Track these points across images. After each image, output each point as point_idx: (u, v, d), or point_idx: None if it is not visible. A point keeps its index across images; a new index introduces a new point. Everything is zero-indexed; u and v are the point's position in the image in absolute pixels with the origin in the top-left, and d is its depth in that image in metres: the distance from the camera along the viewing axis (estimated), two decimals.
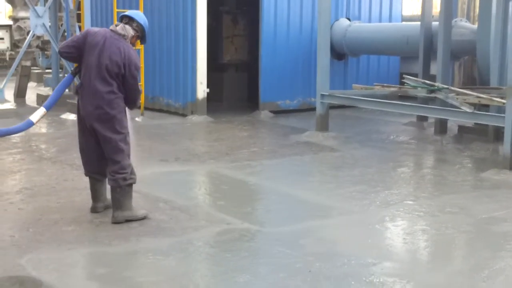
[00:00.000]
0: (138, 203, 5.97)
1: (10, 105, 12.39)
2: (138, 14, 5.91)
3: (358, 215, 6.11)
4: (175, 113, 12.31)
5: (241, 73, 14.25)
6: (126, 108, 5.76)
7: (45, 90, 14.38)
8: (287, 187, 7.13)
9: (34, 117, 5.73)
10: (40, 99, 13.49)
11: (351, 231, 5.70)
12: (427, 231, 5.69)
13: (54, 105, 5.83)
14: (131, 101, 5.75)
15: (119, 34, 5.67)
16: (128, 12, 5.92)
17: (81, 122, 5.74)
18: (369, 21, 13.67)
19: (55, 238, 5.18)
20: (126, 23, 5.78)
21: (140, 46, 6.11)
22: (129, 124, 5.84)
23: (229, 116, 12.25)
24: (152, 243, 5.13)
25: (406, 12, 17.75)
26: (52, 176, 7.30)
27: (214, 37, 13.43)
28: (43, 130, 10.64)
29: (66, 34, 12.94)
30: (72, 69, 5.92)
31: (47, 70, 17.68)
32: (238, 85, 14.12)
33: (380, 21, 13.82)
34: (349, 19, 13.31)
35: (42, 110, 5.73)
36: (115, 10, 11.76)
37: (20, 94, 13.66)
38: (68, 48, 5.70)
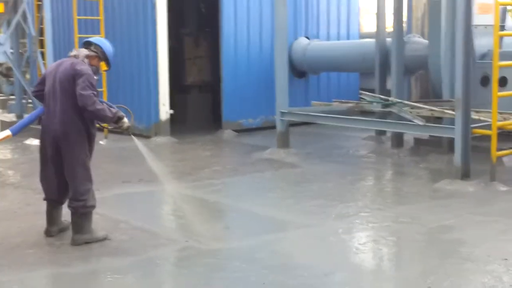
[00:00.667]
0: (99, 224, 6.10)
1: None
2: (99, 39, 6.10)
3: (314, 228, 6.31)
4: (140, 135, 12.40)
5: (205, 94, 14.43)
6: (91, 132, 5.81)
7: (9, 117, 14.39)
8: (247, 203, 7.31)
9: None
10: (4, 125, 13.50)
11: (306, 244, 5.89)
12: (379, 241, 5.91)
13: (20, 131, 5.95)
14: (84, 109, 5.54)
15: (72, 56, 5.86)
16: (90, 38, 6.10)
17: (42, 149, 5.87)
18: (328, 39, 13.98)
19: (17, 261, 5.29)
20: (85, 48, 5.97)
21: (104, 69, 6.18)
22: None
23: (193, 136, 12.41)
24: (112, 262, 5.26)
25: (368, 29, 18.18)
26: (14, 201, 7.39)
27: (176, 59, 13.62)
28: (8, 156, 10.70)
29: (29, 61, 13.03)
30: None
31: (11, 97, 17.66)
32: (202, 106, 14.29)
33: (338, 39, 14.14)
34: (308, 38, 13.60)
35: (7, 132, 5.86)
36: (76, 35, 11.91)
37: None
38: (36, 88, 6.05)
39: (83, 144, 5.75)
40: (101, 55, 5.98)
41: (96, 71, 5.93)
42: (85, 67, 5.72)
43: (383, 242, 5.89)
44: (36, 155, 6.13)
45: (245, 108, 12.95)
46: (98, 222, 6.16)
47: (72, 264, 5.23)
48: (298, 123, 11.28)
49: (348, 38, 14.31)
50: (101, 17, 12.12)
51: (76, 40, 12.01)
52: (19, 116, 13.71)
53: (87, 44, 6.01)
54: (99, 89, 11.57)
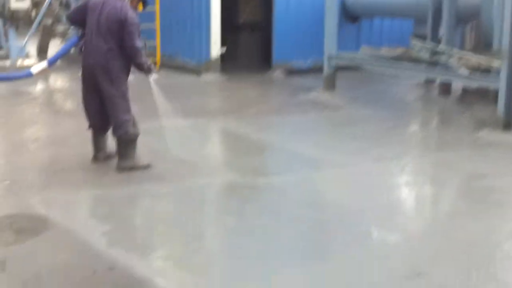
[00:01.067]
0: (144, 153, 6.42)
1: (32, 61, 12.87)
2: None
3: (350, 169, 6.46)
4: (191, 71, 12.69)
5: (256, 33, 14.50)
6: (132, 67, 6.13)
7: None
8: (288, 142, 7.50)
9: (34, 69, 6.17)
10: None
11: (341, 183, 6.07)
12: (412, 184, 6.07)
13: (56, 61, 6.25)
14: (131, 58, 5.96)
15: None
16: None
17: (84, 80, 6.16)
18: None
19: (64, 182, 5.67)
20: None
21: (140, 9, 6.39)
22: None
23: (243, 75, 12.58)
24: (152, 187, 5.57)
25: None
26: (68, 128, 7.77)
27: None
28: (65, 85, 11.08)
29: None
30: (79, 33, 6.33)
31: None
32: (253, 46, 14.39)
33: None
34: None
35: (44, 64, 6.17)
36: None
37: (42, 50, 14.13)
38: (74, 14, 6.30)
39: (124, 78, 6.08)
40: None
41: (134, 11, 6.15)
42: (133, 14, 5.99)
43: (415, 185, 6.05)
44: (77, 86, 6.40)
45: (296, 50, 13.00)
46: (144, 151, 6.47)
47: (114, 186, 5.58)
48: (347, 67, 11.30)
49: None
50: None
51: None
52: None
53: None
54: (152, 25, 11.87)
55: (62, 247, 4.26)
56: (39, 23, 12.89)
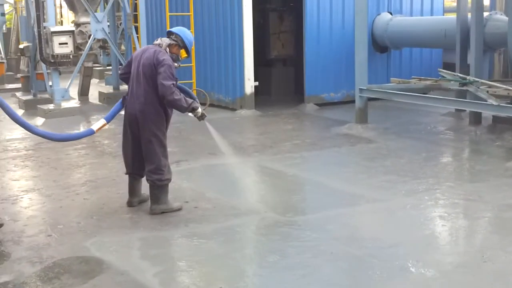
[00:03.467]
0: (186, 193, 6.79)
1: (75, 103, 13.44)
2: (180, 29, 6.61)
3: (383, 203, 6.74)
4: (226, 108, 13.11)
5: (288, 67, 14.91)
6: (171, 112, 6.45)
7: (107, 88, 15.42)
8: (323, 177, 7.80)
9: (95, 126, 6.59)
10: (102, 96, 14.53)
11: (375, 218, 6.35)
12: (445, 217, 6.29)
13: (113, 117, 6.65)
14: (163, 97, 6.13)
15: (155, 45, 6.47)
16: (172, 29, 6.66)
17: (125, 126, 6.53)
18: (411, 14, 14.12)
19: (115, 225, 6.06)
20: (168, 37, 6.57)
21: (183, 56, 6.74)
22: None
23: (276, 109, 12.96)
24: (198, 228, 5.92)
25: (451, 3, 18.03)
26: (113, 169, 8.20)
27: (261, 34, 14.15)
28: (105, 127, 11.55)
29: (124, 34, 13.91)
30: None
31: (107, 67, 18.79)
32: (285, 79, 14.79)
33: (421, 14, 14.24)
34: (391, 13, 13.79)
35: (102, 121, 6.58)
36: (168, 13, 12.63)
37: (83, 92, 14.76)
38: (122, 70, 6.69)
39: (161, 123, 6.36)
40: (181, 44, 6.52)
41: (176, 59, 6.49)
42: (166, 57, 6.29)
43: (448, 218, 6.27)
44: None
45: (327, 82, 13.37)
46: (186, 191, 6.84)
47: (163, 228, 5.93)
48: (377, 97, 11.57)
49: (431, 13, 14.38)
50: None
51: (168, 18, 12.74)
52: (116, 88, 14.68)
53: (169, 34, 6.59)
54: (188, 64, 12.35)
55: None
56: (81, 66, 13.46)
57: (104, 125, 6.57)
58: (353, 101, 12.95)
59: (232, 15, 12.70)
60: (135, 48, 12.97)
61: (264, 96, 13.93)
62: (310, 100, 13.23)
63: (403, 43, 13.40)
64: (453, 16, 12.29)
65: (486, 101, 8.95)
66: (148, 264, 5.10)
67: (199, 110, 6.43)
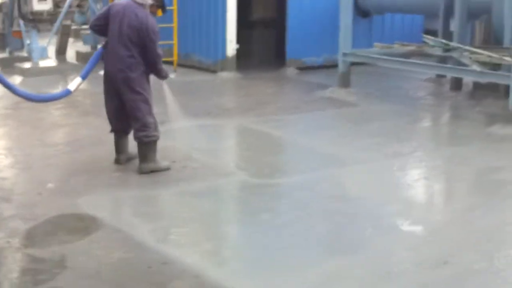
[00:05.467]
0: (173, 154, 6.79)
1: (52, 61, 13.22)
2: None
3: (370, 165, 6.83)
4: (206, 70, 13.02)
5: (270, 30, 14.80)
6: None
7: (84, 47, 15.18)
8: (309, 139, 7.85)
9: (71, 86, 6.53)
10: (79, 56, 14.32)
11: (363, 178, 6.44)
12: (430, 178, 6.43)
13: (88, 74, 6.58)
14: (151, 65, 6.29)
15: (138, 3, 6.31)
16: None
17: (106, 83, 6.46)
18: None
19: (105, 183, 6.04)
20: None
21: (159, 15, 6.66)
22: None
23: (257, 72, 12.89)
24: (188, 187, 5.94)
25: None
26: (97, 128, 8.10)
27: None
28: (85, 86, 11.42)
29: None
30: (103, 43, 6.63)
31: (82, 27, 18.46)
32: (266, 42, 14.69)
33: None
34: None
35: (79, 80, 6.52)
36: None
37: (60, 51, 14.50)
38: (96, 21, 6.54)
39: (145, 83, 6.36)
40: (160, 3, 6.48)
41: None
42: (154, 22, 6.28)
43: (433, 179, 6.41)
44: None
45: (308, 46, 13.30)
46: (173, 151, 6.83)
47: (154, 187, 5.95)
48: (359, 62, 11.61)
49: None
50: None
51: None
52: (94, 47, 14.46)
53: None
54: (169, 25, 12.17)
55: (115, 245, 4.62)
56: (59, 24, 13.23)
57: (81, 83, 6.51)
58: (334, 66, 12.93)
59: None
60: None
61: (244, 59, 13.84)
62: (291, 63, 13.21)
63: (386, 8, 13.38)
64: None
65: (469, 67, 9.04)
66: (142, 221, 5.12)
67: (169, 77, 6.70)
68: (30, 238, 4.78)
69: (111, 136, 7.33)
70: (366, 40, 13.78)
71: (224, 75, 12.55)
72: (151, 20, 6.27)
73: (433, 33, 11.75)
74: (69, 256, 4.42)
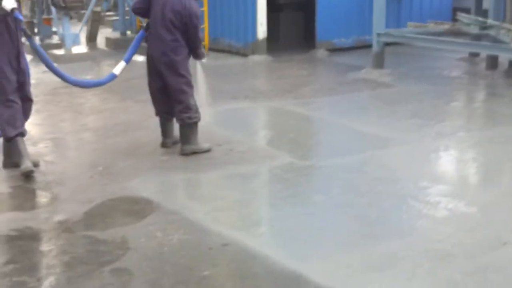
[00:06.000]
0: (216, 136, 6.82)
1: (84, 48, 13.32)
2: None
3: (414, 145, 6.79)
4: (237, 53, 13.01)
5: (297, 12, 14.73)
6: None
7: (114, 34, 15.22)
8: (349, 121, 7.80)
9: (116, 70, 6.58)
10: (109, 42, 14.38)
11: (409, 159, 6.40)
12: (477, 159, 6.39)
13: (132, 57, 6.62)
14: (193, 49, 6.41)
15: None
16: None
17: (150, 66, 6.51)
18: None
19: (155, 166, 6.09)
20: None
21: None
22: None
23: (287, 55, 12.86)
24: (237, 169, 5.96)
25: None
26: (137, 113, 8.18)
27: None
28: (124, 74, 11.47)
29: None
30: (144, 25, 6.66)
31: (107, 13, 18.52)
32: (294, 25, 14.63)
33: None
34: None
35: (123, 64, 6.57)
36: None
37: (91, 38, 14.58)
38: (139, 4, 6.55)
39: (187, 66, 6.43)
40: None
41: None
42: (197, 6, 6.37)
43: (480, 160, 6.37)
44: (143, 71, 6.76)
45: (338, 27, 13.24)
46: (212, 134, 6.86)
47: (203, 169, 5.98)
48: (390, 42, 11.53)
49: None
50: None
51: None
52: (123, 34, 14.52)
53: None
54: (201, 9, 12.22)
55: (173, 227, 4.65)
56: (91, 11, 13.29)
57: (125, 66, 6.57)
58: (363, 47, 12.97)
59: None
60: None
61: (274, 42, 13.80)
62: (321, 45, 13.14)
63: None
64: None
65: (508, 44, 8.94)
66: (197, 203, 5.16)
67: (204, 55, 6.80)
68: (89, 220, 4.84)
69: (151, 121, 7.41)
70: (395, 20, 13.70)
71: (255, 58, 12.53)
72: (194, 5, 6.33)
73: (462, 11, 11.63)
74: (129, 238, 4.47)
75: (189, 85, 6.42)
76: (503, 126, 7.54)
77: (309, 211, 5.02)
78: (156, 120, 7.09)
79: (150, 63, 6.49)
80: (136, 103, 8.74)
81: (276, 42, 14.04)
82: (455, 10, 13.94)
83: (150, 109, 8.28)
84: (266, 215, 5.03)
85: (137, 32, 14.93)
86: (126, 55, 6.65)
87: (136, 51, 6.66)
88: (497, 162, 6.34)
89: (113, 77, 6.62)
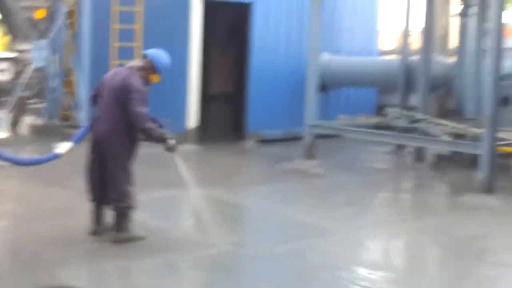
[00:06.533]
0: (149, 224, 6.55)
1: (6, 133, 12.83)
2: (155, 53, 6.33)
3: (350, 233, 6.73)
4: None
5: (227, 104, 14.82)
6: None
7: (38, 121, 14.78)
8: (284, 210, 7.69)
9: (61, 149, 6.29)
10: (34, 129, 13.95)
11: (347, 247, 6.33)
12: (410, 248, 6.38)
13: (81, 139, 6.36)
14: (134, 124, 5.95)
15: (128, 68, 6.22)
16: (147, 51, 6.42)
17: (92, 150, 6.22)
18: (349, 54, 14.42)
19: (86, 254, 5.72)
20: (141, 59, 6.35)
21: (155, 81, 6.51)
22: None
23: (218, 145, 12.75)
24: (174, 258, 5.71)
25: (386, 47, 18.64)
26: (64, 199, 7.78)
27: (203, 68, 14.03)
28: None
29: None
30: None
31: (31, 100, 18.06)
32: (223, 116, 14.68)
33: (359, 55, 14.58)
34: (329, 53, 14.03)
35: (70, 144, 6.29)
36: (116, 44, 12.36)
37: (14, 123, 14.08)
38: (93, 93, 6.41)
39: (126, 149, 6.13)
40: (153, 69, 6.27)
41: (146, 83, 6.19)
42: (137, 82, 6.04)
43: (414, 248, 6.38)
44: (67, 158, 6.48)
45: (267, 119, 13.33)
46: (145, 222, 6.56)
47: (138, 258, 5.65)
48: (319, 135, 11.64)
49: (368, 54, 14.74)
50: (138, 26, 12.55)
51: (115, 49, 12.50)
52: (49, 120, 14.14)
53: (143, 56, 6.37)
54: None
55: None
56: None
57: (71, 147, 6.29)
58: (292, 138, 13.09)
59: (179, 49, 12.52)
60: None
61: (203, 132, 13.73)
62: (251, 136, 13.17)
63: (345, 82, 13.65)
64: (395, 58, 12.70)
65: (438, 137, 9.18)
66: None
67: (171, 141, 6.24)
68: None
69: (79, 207, 7.00)
70: (323, 113, 13.94)
71: (186, 147, 12.35)
72: (135, 79, 6.06)
73: (386, 107, 11.94)
74: None
75: (126, 171, 6.14)
76: (435, 216, 7.66)
77: None
78: (83, 207, 6.74)
79: (93, 145, 6.22)
80: (63, 189, 8.35)
81: (206, 132, 14.00)
82: (379, 106, 14.43)
83: (78, 195, 7.95)
84: None
85: (62, 119, 14.67)
86: (75, 137, 6.39)
87: (85, 135, 6.40)
88: (429, 251, 6.36)
89: (55, 156, 6.30)
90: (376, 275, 5.38)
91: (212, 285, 5.11)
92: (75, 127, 12.82)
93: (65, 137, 12.21)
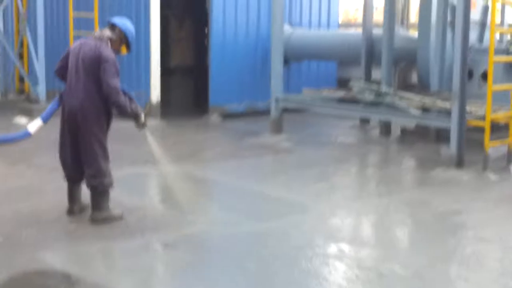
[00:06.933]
0: (125, 203, 6.39)
1: None
2: (123, 23, 6.11)
3: (325, 211, 6.65)
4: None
5: (188, 77, 14.61)
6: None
7: None
8: (258, 186, 7.61)
9: (31, 128, 6.03)
10: None
11: (330, 224, 6.30)
12: (390, 224, 6.41)
13: (50, 117, 6.11)
14: (107, 97, 5.76)
15: (96, 38, 5.97)
16: (115, 20, 6.15)
17: (63, 126, 6.00)
18: (309, 27, 14.37)
19: (64, 235, 5.56)
20: (110, 29, 6.09)
21: (124, 53, 6.30)
22: None
23: (180, 120, 12.56)
24: (155, 237, 5.58)
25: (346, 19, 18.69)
26: (33, 178, 7.55)
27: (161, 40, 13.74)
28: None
29: None
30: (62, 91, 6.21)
31: None
32: (185, 90, 14.48)
33: (319, 27, 14.53)
34: (290, 25, 13.93)
35: (39, 122, 6.03)
36: (71, 14, 11.98)
37: None
38: (58, 65, 6.10)
39: (101, 123, 5.93)
40: (123, 39, 6.09)
41: (116, 54, 5.99)
42: (109, 52, 5.85)
43: (398, 224, 6.39)
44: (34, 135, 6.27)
45: (231, 93, 13.20)
46: (120, 200, 6.40)
47: (119, 238, 5.51)
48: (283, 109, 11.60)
49: (328, 26, 14.70)
50: None
51: (71, 19, 12.12)
52: (3, 95, 13.72)
53: (110, 25, 6.10)
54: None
55: None
56: None
57: (41, 125, 6.03)
58: (255, 113, 13.01)
59: (138, 21, 12.25)
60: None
61: (165, 106, 13.51)
62: (214, 110, 13.02)
63: (306, 55, 13.58)
64: (356, 31, 12.68)
65: (404, 111, 9.22)
66: (124, 276, 4.69)
67: (142, 117, 6.12)
68: None
69: (49, 186, 6.82)
70: (285, 86, 13.89)
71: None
72: (106, 49, 5.86)
73: (346, 80, 11.97)
74: None
75: (102, 147, 5.93)
76: (412, 190, 7.78)
77: (240, 279, 4.71)
78: (55, 185, 6.60)
79: (64, 121, 5.97)
80: (30, 168, 8.10)
81: (168, 107, 13.77)
82: (340, 79, 14.47)
83: (46, 173, 7.74)
84: (202, 285, 4.65)
85: (18, 93, 14.24)
86: (43, 114, 6.11)
87: (55, 110, 6.13)
88: (415, 225, 6.39)
89: (27, 134, 6.04)
90: (361, 252, 5.36)
91: (195, 266, 5.00)
92: (32, 101, 12.47)
93: (22, 112, 12.08)
